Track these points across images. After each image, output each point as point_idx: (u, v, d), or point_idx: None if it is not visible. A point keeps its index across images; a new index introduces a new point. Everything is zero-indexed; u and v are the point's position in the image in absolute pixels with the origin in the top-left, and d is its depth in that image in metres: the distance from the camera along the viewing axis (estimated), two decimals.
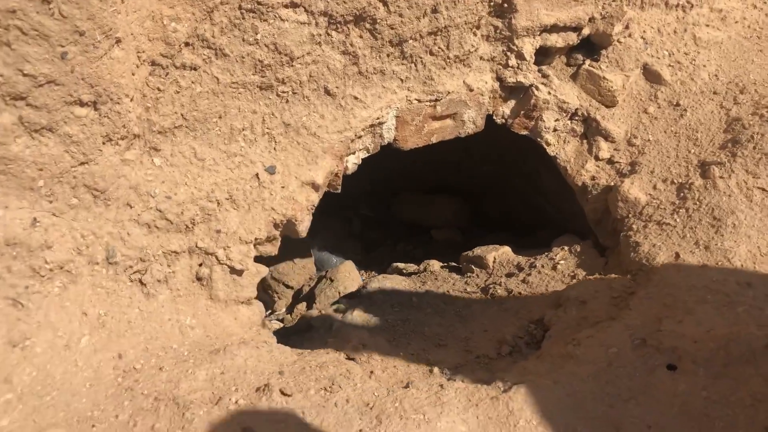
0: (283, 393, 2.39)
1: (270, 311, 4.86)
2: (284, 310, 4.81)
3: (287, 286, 4.95)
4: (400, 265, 4.72)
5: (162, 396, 2.27)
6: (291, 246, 5.13)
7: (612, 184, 3.62)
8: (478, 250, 4.12)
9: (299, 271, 4.99)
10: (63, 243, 2.49)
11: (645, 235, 3.31)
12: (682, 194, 3.36)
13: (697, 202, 3.27)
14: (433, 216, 5.79)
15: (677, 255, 3.12)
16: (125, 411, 2.21)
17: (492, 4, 3.37)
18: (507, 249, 4.06)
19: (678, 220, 3.27)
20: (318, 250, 5.48)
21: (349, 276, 4.60)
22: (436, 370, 2.91)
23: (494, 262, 3.99)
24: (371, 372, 2.88)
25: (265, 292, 5.01)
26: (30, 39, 2.16)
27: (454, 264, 4.42)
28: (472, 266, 4.09)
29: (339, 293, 4.37)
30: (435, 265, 4.41)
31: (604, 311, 3.00)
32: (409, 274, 4.42)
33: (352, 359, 2.94)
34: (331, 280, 4.50)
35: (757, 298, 2.73)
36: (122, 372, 2.37)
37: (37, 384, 2.23)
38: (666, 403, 2.43)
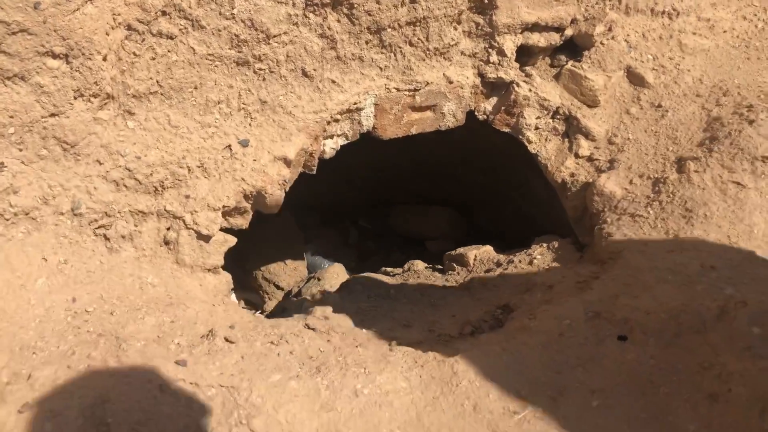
0: (227, 340, 2.42)
1: (260, 311, 4.89)
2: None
3: (278, 287, 5.00)
4: (388, 269, 4.75)
5: (106, 333, 2.32)
6: (284, 248, 5.20)
7: (590, 180, 3.63)
8: (460, 249, 4.13)
9: (290, 273, 5.04)
10: (30, 191, 2.59)
11: (618, 226, 3.29)
12: (657, 188, 3.35)
13: (671, 195, 3.26)
14: (429, 228, 5.82)
15: (646, 243, 3.09)
16: (67, 343, 2.26)
17: None
18: (489, 248, 4.06)
19: (651, 212, 3.25)
20: (312, 254, 5.53)
21: (337, 277, 4.63)
22: (394, 343, 2.90)
23: (475, 259, 3.99)
24: (328, 341, 2.88)
25: (256, 293, 5.06)
26: None
27: (439, 266, 4.42)
28: (454, 264, 4.09)
29: (325, 290, 4.39)
30: (419, 264, 4.42)
31: (568, 294, 2.97)
32: (395, 275, 4.43)
33: (313, 329, 2.94)
34: (319, 280, 4.54)
35: (719, 279, 2.69)
36: (73, 313, 2.43)
37: None
38: (613, 370, 2.39)
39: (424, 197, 5.96)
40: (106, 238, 2.76)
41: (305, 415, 2.15)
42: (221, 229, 3.11)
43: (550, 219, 4.67)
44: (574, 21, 3.76)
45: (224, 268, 3.29)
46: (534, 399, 2.34)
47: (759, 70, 3.85)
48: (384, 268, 4.78)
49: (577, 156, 3.73)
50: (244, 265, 5.15)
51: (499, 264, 3.83)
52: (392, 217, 6.11)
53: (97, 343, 2.25)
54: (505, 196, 5.23)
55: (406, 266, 4.50)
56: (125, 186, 2.80)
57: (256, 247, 5.17)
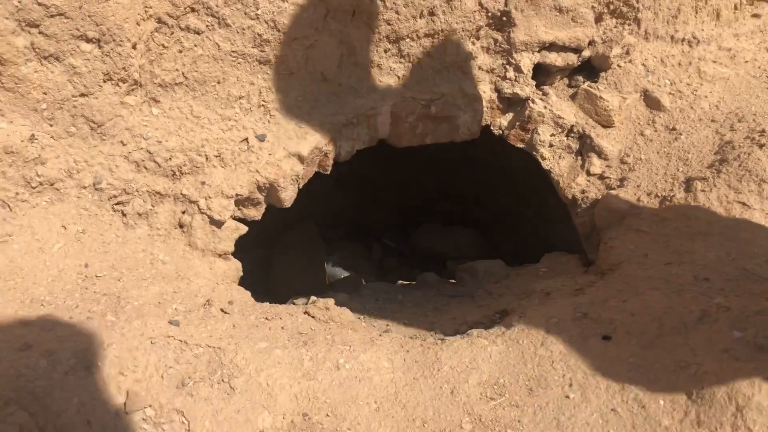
0: (223, 311, 2.55)
1: None
2: None
3: (297, 293, 5.12)
4: (404, 282, 4.83)
5: (109, 294, 2.47)
6: (305, 257, 5.34)
7: (600, 198, 3.68)
8: (471, 263, 4.20)
9: (310, 281, 5.16)
10: (56, 163, 2.80)
11: (622, 240, 3.33)
12: (663, 206, 3.39)
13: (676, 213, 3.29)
14: (451, 247, 5.89)
15: (646, 255, 3.12)
16: (74, 300, 2.42)
17: (490, 15, 3.60)
18: (499, 261, 4.12)
19: (655, 227, 3.29)
20: (332, 265, 5.66)
21: (351, 285, 4.73)
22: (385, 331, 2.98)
23: (484, 272, 4.06)
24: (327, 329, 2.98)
25: (277, 297, 5.19)
26: None
27: (452, 280, 4.49)
28: (465, 276, 4.16)
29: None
30: (431, 276, 4.50)
31: (563, 300, 3.02)
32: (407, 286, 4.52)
33: (312, 317, 3.05)
34: (333, 286, 4.65)
35: (711, 289, 2.71)
36: (84, 277, 2.59)
37: (5, 270, 2.48)
38: (593, 366, 2.43)
39: (448, 217, 6.06)
40: (123, 214, 2.94)
41: (286, 381, 2.25)
42: (235, 218, 3.27)
43: (565, 240, 4.70)
44: (591, 43, 3.86)
45: (245, 269, 3.44)
46: (512, 388, 2.39)
47: None
48: (400, 281, 4.86)
49: (588, 173, 3.80)
50: (267, 270, 5.31)
51: (506, 276, 3.89)
52: (416, 236, 6.22)
53: (99, 300, 2.40)
54: (524, 218, 5.29)
55: (419, 278, 4.58)
56: (145, 167, 2.98)
57: (279, 253, 5.34)
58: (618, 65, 3.91)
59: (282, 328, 2.54)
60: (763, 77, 4.07)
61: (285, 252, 5.11)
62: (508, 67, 3.80)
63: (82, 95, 2.79)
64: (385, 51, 3.52)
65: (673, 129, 3.78)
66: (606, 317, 2.60)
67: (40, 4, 2.58)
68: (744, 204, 3.21)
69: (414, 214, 6.13)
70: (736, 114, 3.77)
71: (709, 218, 3.18)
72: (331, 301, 3.22)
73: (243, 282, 3.45)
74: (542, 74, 3.93)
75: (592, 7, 3.77)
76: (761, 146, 3.39)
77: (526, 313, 2.84)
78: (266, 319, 2.60)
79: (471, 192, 5.57)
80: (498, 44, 3.74)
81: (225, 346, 2.30)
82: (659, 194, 3.48)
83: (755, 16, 4.27)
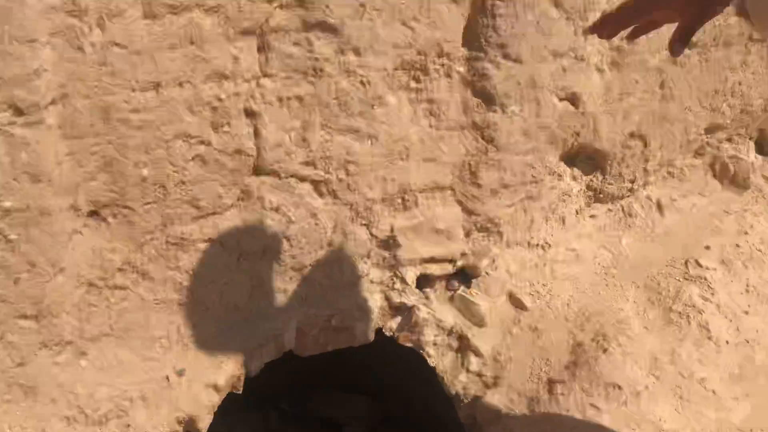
0: None
1: None
2: None
3: None
4: None
5: None
6: None
7: (479, 394, 4.26)
8: None
9: None
10: None
11: None
12: (531, 407, 4.00)
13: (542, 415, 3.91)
14: (346, 414, 6.26)
15: None
16: None
17: (379, 240, 4.19)
18: None
19: (526, 430, 3.88)
20: None
21: None
22: None
23: None
24: None
25: None
26: None
27: None
28: None
29: None
30: None
31: None
32: None
33: None
34: None
35: None
36: None
37: None
38: None
39: (344, 384, 6.46)
40: None
41: None
42: None
43: (454, 416, 5.23)
44: (463, 254, 4.53)
45: None
46: None
47: (615, 297, 4.69)
48: None
49: (468, 371, 4.38)
50: None
51: None
52: (313, 402, 6.53)
53: None
54: (415, 390, 5.79)
55: None
56: (76, 421, 3.21)
57: None
58: (486, 272, 4.60)
59: None
60: (602, 274, 4.90)
61: None
62: (395, 279, 4.38)
63: (19, 365, 3.03)
64: (290, 278, 3.98)
65: (535, 328, 4.47)
66: None
67: None
68: (595, 407, 3.89)
69: (310, 379, 6.48)
70: (584, 313, 4.52)
71: (570, 423, 3.82)
72: None
73: None
74: (424, 281, 4.53)
75: (462, 226, 4.46)
76: (605, 350, 4.12)
77: None
78: None
79: (365, 363, 6.02)
80: (386, 260, 4.32)
81: None
82: (527, 395, 4.10)
83: (593, 216, 5.15)
